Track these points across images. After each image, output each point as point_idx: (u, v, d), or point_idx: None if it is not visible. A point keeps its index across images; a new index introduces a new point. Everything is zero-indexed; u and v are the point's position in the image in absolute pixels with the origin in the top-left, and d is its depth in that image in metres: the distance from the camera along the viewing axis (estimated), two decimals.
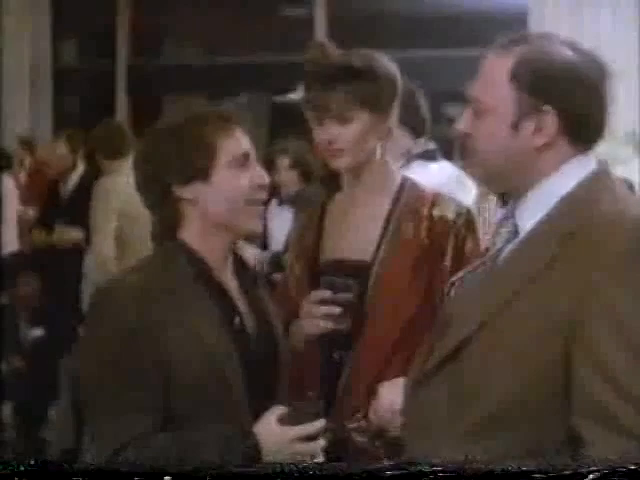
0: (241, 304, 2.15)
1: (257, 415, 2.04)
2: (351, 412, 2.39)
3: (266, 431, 2.00)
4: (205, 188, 2.08)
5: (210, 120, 2.11)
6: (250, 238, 2.22)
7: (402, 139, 3.99)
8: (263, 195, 2.14)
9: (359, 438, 2.34)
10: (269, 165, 5.69)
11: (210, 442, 1.97)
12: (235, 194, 2.09)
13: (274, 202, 5.67)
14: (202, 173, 2.07)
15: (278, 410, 2.01)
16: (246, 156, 2.11)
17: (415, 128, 3.83)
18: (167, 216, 2.11)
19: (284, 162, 5.73)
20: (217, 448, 1.95)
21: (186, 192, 2.08)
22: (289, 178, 5.75)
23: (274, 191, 5.62)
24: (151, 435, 1.98)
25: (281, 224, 5.41)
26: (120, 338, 1.99)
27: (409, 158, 3.81)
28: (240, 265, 2.21)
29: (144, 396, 1.98)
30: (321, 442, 2.01)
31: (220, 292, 2.11)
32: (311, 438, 2.00)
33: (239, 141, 2.11)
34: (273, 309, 2.26)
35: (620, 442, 1.66)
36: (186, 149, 2.07)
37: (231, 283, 2.16)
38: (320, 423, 2.01)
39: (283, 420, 2.00)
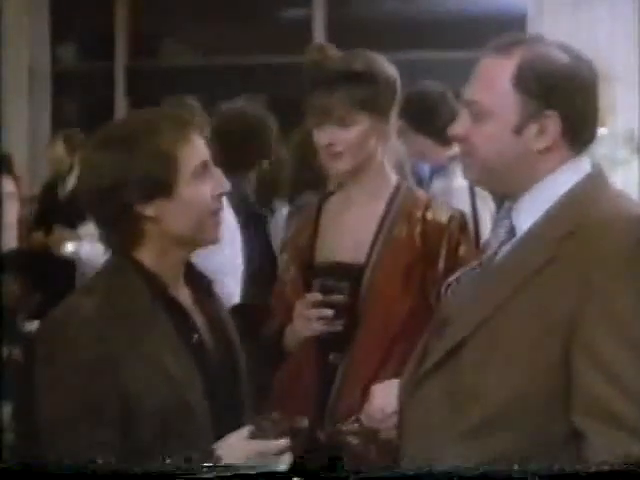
0: (197, 317, 2.04)
1: (221, 433, 1.94)
2: (346, 414, 2.39)
3: (229, 446, 1.91)
4: (169, 204, 1.95)
5: (164, 127, 1.96)
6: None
7: (442, 151, 3.94)
8: (222, 203, 2.04)
9: (354, 441, 2.34)
10: None
11: (174, 465, 1.80)
12: (199, 207, 1.97)
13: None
14: (165, 188, 1.94)
15: (244, 430, 1.93)
16: (205, 164, 1.99)
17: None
18: (125, 235, 1.97)
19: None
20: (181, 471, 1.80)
21: (149, 210, 1.95)
22: None
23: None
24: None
25: None
26: (76, 371, 1.86)
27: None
28: (193, 274, 2.10)
29: (104, 433, 1.86)
30: (286, 457, 1.93)
31: (177, 310, 1.99)
32: (276, 453, 1.92)
33: (197, 149, 1.98)
34: (229, 317, 2.16)
35: (624, 440, 1.67)
36: (144, 162, 1.92)
37: (184, 294, 2.05)
38: (284, 442, 1.93)
39: (248, 437, 1.93)
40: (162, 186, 1.94)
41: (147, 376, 1.89)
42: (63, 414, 1.87)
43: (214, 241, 2.05)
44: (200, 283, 2.11)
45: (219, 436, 1.94)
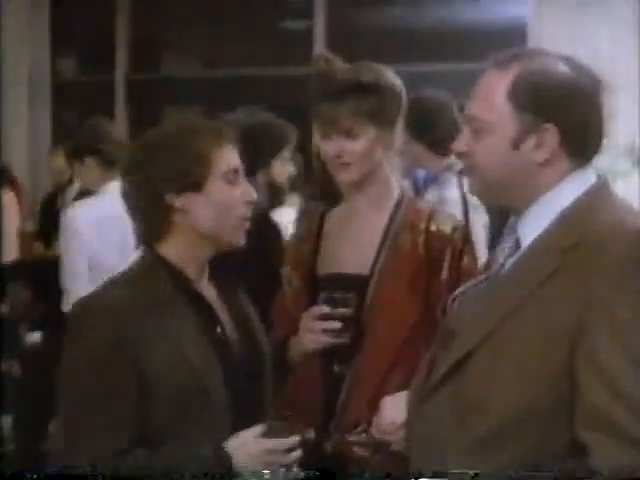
0: (222, 313, 2.15)
1: (240, 426, 2.03)
2: (352, 425, 2.39)
3: (240, 443, 2.00)
4: (197, 198, 2.09)
5: (203, 132, 2.12)
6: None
7: (439, 160, 3.92)
8: (249, 212, 2.15)
9: (360, 451, 2.34)
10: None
11: (186, 459, 1.96)
12: (226, 207, 2.10)
13: None
14: (196, 184, 2.08)
15: (256, 429, 2.02)
16: (236, 171, 2.12)
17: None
18: (154, 224, 2.11)
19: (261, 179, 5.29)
20: (192, 465, 1.95)
21: (178, 201, 2.08)
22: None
23: None
24: (127, 452, 1.96)
25: None
26: (101, 354, 1.98)
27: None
28: (218, 272, 2.20)
29: (123, 413, 1.97)
30: (296, 454, 2.03)
31: (200, 303, 2.11)
32: (286, 451, 2.01)
33: (230, 155, 2.13)
34: (254, 315, 2.26)
35: (625, 451, 1.66)
36: (181, 159, 2.08)
37: (209, 292, 2.16)
38: (294, 440, 2.02)
39: (260, 436, 2.01)
40: (193, 181, 2.08)
41: (166, 359, 1.99)
42: (84, 396, 1.98)
43: (236, 244, 2.14)
44: (225, 281, 2.21)
45: (236, 426, 2.03)
